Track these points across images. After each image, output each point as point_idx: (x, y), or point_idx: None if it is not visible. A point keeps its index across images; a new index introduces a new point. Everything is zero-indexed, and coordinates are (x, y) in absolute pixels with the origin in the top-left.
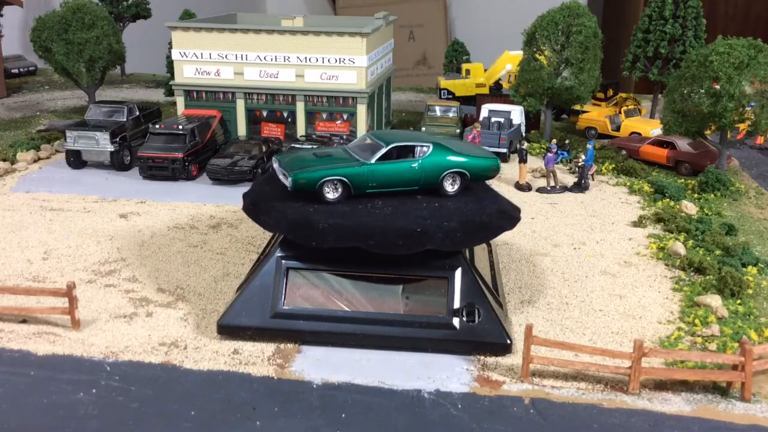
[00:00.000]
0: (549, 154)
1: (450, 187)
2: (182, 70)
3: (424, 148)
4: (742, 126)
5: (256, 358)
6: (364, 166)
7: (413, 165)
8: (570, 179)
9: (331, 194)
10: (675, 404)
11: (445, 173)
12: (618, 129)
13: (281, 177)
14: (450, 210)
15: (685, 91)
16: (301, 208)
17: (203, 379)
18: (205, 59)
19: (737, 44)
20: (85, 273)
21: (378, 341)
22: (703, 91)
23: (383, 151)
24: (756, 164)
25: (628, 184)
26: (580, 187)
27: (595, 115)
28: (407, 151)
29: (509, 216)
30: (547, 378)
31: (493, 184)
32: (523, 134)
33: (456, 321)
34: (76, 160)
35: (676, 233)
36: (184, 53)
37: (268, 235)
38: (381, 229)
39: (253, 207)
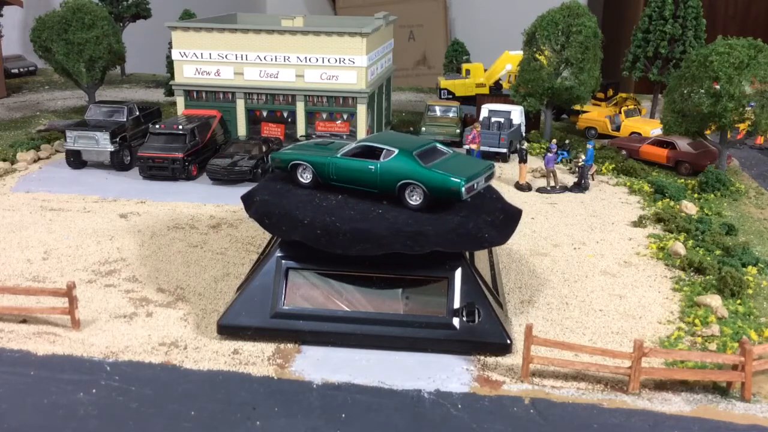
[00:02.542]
0: (549, 154)
1: (410, 199)
2: (182, 70)
3: (389, 153)
4: (742, 126)
5: (256, 358)
6: (328, 158)
7: (370, 167)
8: (570, 179)
9: (301, 178)
10: (675, 404)
11: (402, 183)
12: (618, 129)
13: None
14: (377, 217)
15: (685, 91)
16: (265, 185)
17: (203, 379)
18: (205, 59)
19: (737, 44)
20: (85, 273)
21: (378, 341)
22: (703, 91)
23: (350, 146)
24: (756, 164)
25: (628, 184)
26: (580, 187)
27: (595, 115)
28: (377, 153)
29: (420, 241)
30: (547, 378)
31: (494, 184)
32: (523, 134)
33: (456, 321)
34: (76, 160)
35: (676, 233)
36: (184, 53)
37: (268, 235)
38: (280, 214)
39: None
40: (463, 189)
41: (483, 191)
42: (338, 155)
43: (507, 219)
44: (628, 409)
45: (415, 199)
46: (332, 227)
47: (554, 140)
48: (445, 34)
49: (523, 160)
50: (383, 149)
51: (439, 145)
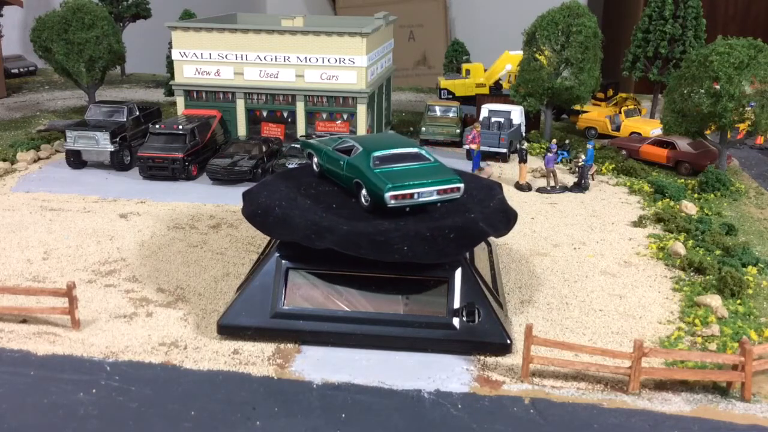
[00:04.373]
0: (549, 154)
1: (363, 199)
2: (182, 70)
3: (356, 150)
4: (742, 126)
5: (256, 358)
6: (323, 149)
7: (341, 162)
8: (570, 179)
9: (314, 166)
10: (675, 404)
11: (356, 181)
12: (618, 129)
13: None
14: (320, 209)
15: (685, 91)
16: (287, 171)
17: (203, 379)
18: (205, 59)
19: (737, 44)
20: (85, 273)
21: (378, 341)
22: (703, 91)
23: (338, 142)
24: (756, 164)
25: (628, 184)
26: (580, 187)
27: (595, 115)
28: (352, 150)
29: (324, 237)
30: (547, 378)
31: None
32: (523, 134)
33: (456, 321)
34: (76, 160)
35: (676, 233)
36: (184, 53)
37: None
38: (253, 192)
39: None
40: (387, 195)
41: (466, 207)
42: (330, 147)
43: (458, 238)
44: (628, 409)
45: (366, 199)
46: (270, 211)
47: (554, 140)
48: (445, 34)
49: (523, 160)
50: (354, 146)
51: (423, 152)
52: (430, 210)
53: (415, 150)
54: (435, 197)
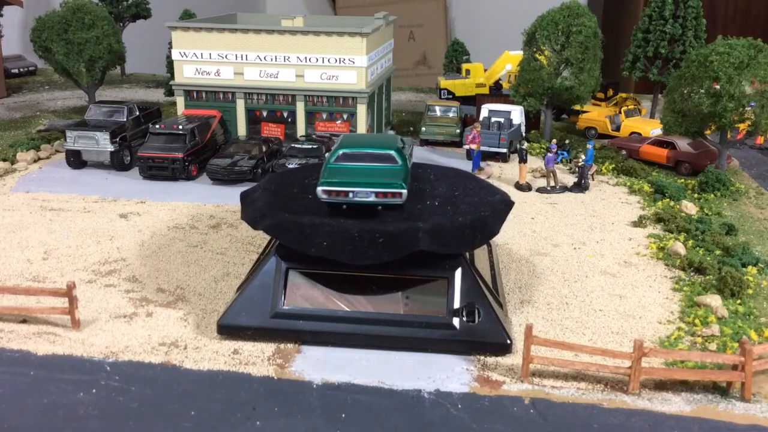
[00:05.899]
0: (549, 154)
1: None
2: (182, 70)
3: (336, 145)
4: (742, 126)
5: (256, 358)
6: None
7: (327, 156)
8: (570, 179)
9: None
10: (675, 404)
11: None
12: (618, 129)
13: None
14: (291, 197)
15: (685, 91)
16: (312, 164)
17: (203, 379)
18: (205, 59)
19: (737, 44)
20: (85, 273)
21: (378, 341)
22: (703, 91)
23: (338, 138)
24: (756, 164)
25: (628, 184)
26: (580, 187)
27: (595, 115)
28: None
29: (265, 220)
30: (547, 378)
31: (494, 183)
32: (523, 134)
33: (456, 321)
34: (76, 160)
35: (676, 233)
36: (184, 53)
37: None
38: (267, 178)
39: None
40: (319, 189)
41: (425, 217)
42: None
43: (385, 244)
44: (628, 409)
45: None
46: (253, 193)
47: (554, 140)
48: (445, 34)
49: (523, 160)
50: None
51: (394, 155)
52: (383, 212)
53: (387, 152)
54: (372, 199)
